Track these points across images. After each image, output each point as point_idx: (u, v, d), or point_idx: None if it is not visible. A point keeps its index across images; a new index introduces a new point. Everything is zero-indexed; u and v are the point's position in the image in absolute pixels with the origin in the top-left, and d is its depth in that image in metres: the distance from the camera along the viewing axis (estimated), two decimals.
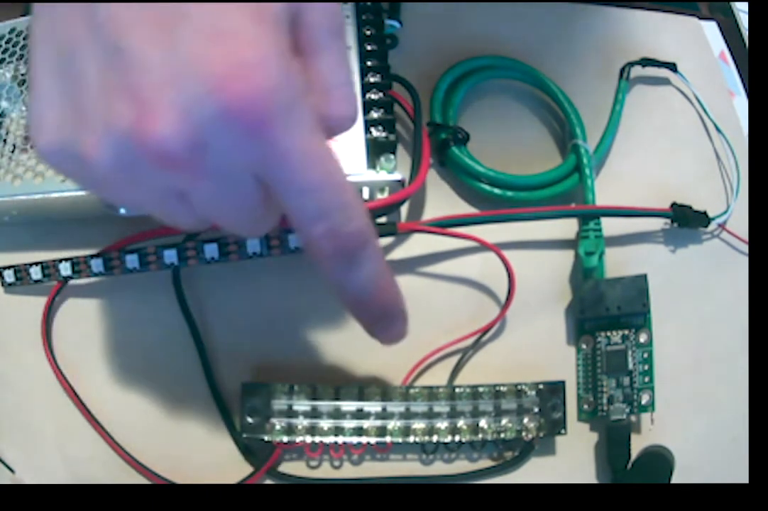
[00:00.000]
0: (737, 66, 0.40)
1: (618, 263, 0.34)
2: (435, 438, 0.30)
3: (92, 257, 0.30)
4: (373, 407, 0.30)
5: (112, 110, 0.19)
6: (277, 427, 0.30)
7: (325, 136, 0.22)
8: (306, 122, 0.21)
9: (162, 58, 0.19)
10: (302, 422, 0.30)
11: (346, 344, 0.32)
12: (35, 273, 0.31)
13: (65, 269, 0.31)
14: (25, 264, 0.31)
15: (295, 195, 0.21)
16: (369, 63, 0.31)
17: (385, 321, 0.26)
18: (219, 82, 0.19)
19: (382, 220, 0.31)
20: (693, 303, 0.34)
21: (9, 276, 0.32)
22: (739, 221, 0.36)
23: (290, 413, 0.30)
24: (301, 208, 0.22)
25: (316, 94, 0.22)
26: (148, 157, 0.20)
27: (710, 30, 0.40)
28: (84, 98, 0.20)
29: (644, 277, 0.33)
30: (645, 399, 0.32)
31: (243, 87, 0.19)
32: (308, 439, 0.30)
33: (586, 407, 0.32)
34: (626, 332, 0.32)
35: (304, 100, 0.21)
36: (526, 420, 0.31)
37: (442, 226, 0.31)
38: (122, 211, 0.27)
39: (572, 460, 0.32)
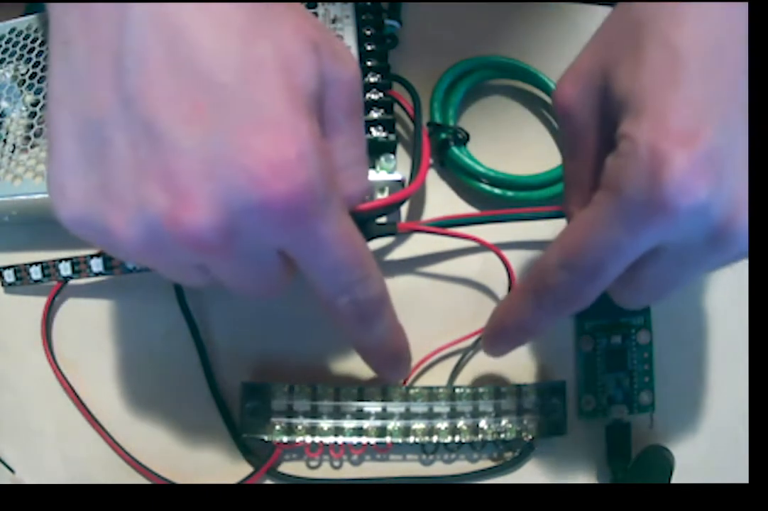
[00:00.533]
0: None
1: None
2: (435, 439, 0.30)
3: (92, 256, 0.30)
4: (373, 407, 0.30)
5: (144, 192, 0.19)
6: (277, 427, 0.30)
7: None
8: (338, 208, 0.21)
9: (197, 143, 0.18)
10: (302, 422, 0.30)
11: (346, 344, 0.32)
12: (35, 273, 0.31)
13: (65, 269, 0.31)
14: (25, 264, 0.31)
15: (322, 272, 0.22)
16: (369, 63, 0.31)
17: (394, 366, 0.28)
18: (261, 178, 0.18)
19: (382, 220, 0.31)
20: (693, 303, 0.34)
21: (9, 276, 0.32)
22: None
23: (290, 413, 0.30)
24: (326, 283, 0.23)
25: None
26: (179, 241, 0.19)
27: None
28: (112, 173, 0.19)
29: None
30: (645, 399, 0.32)
31: (285, 184, 0.19)
32: (308, 439, 0.30)
33: (586, 407, 0.32)
34: (626, 332, 0.32)
35: (336, 187, 0.21)
36: (526, 420, 0.31)
37: (442, 226, 0.31)
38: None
39: (572, 460, 0.32)
